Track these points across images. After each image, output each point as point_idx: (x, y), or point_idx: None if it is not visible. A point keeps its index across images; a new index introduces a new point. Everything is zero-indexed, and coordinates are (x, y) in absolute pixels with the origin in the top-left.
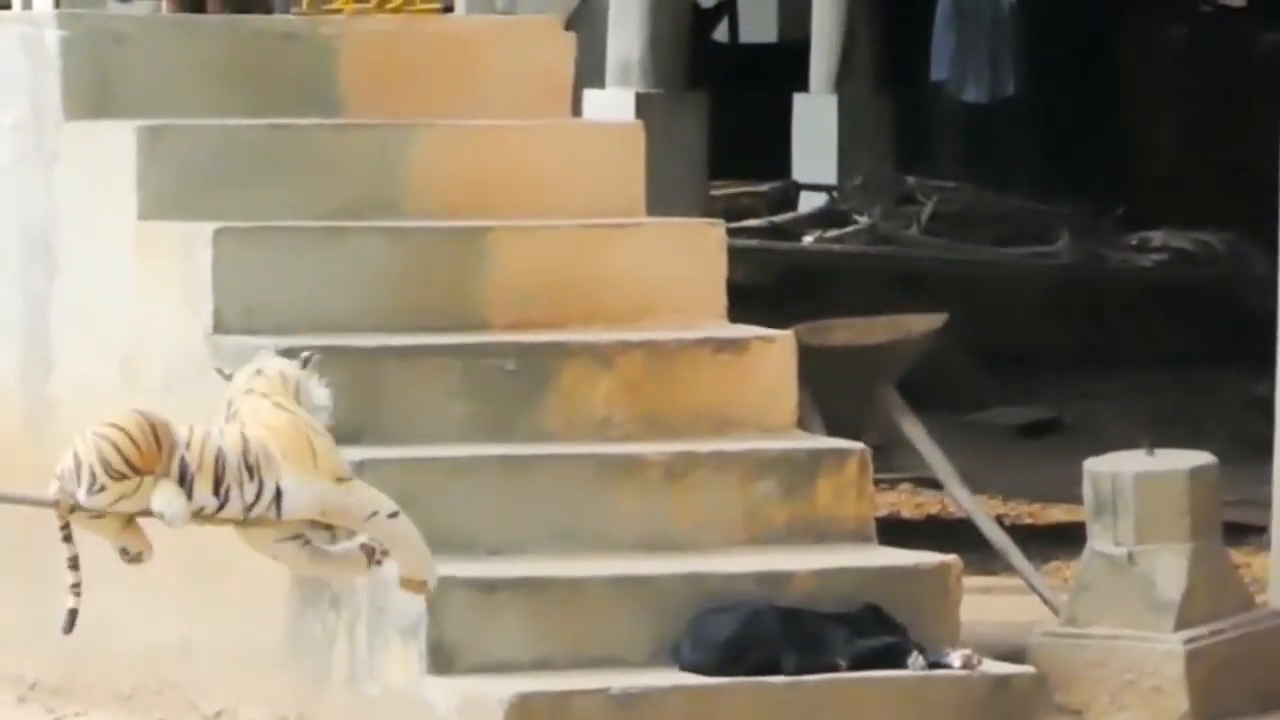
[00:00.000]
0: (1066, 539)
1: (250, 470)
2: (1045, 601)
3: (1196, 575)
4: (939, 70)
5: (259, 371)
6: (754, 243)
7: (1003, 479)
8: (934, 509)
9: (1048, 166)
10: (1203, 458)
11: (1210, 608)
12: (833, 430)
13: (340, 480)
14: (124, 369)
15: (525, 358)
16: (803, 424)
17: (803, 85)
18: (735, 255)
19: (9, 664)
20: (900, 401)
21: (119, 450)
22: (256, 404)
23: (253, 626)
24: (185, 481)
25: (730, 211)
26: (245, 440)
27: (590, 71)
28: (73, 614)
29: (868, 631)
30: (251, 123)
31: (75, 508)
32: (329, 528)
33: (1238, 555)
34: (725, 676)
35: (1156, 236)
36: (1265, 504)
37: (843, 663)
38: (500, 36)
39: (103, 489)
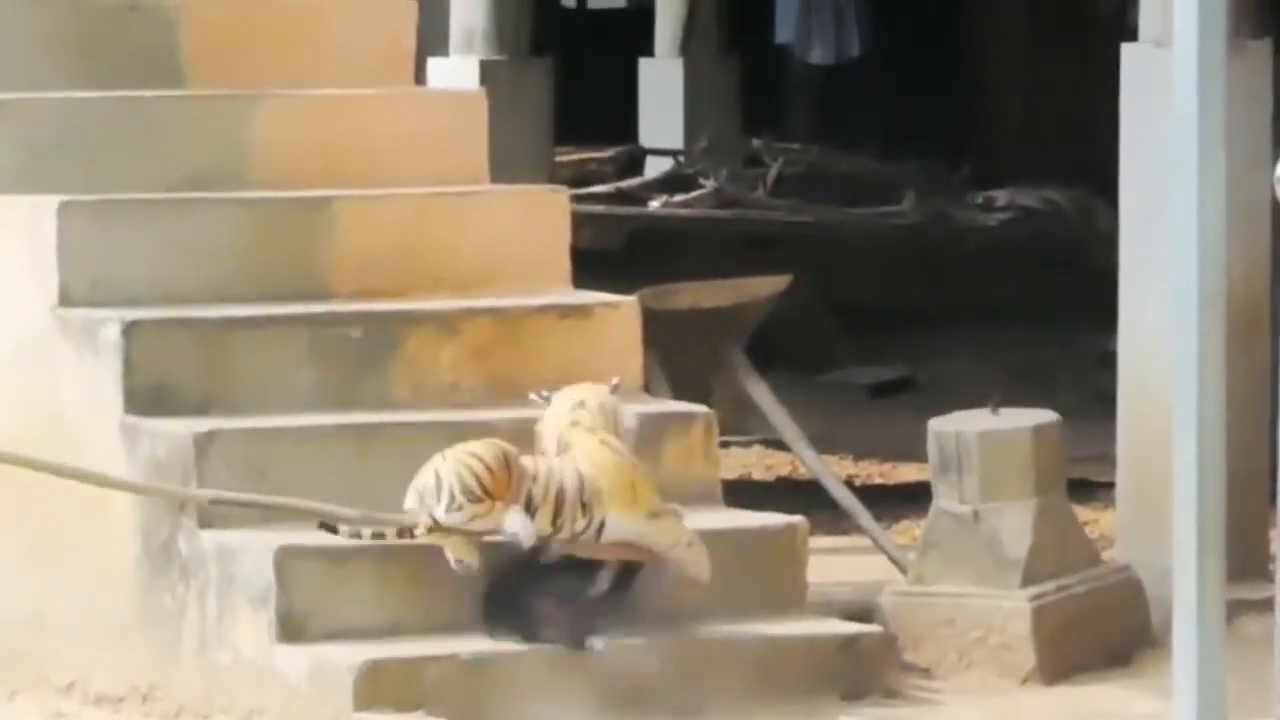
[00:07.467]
0: (917, 498)
1: (584, 506)
2: (893, 561)
3: (1041, 532)
4: (783, 32)
5: (581, 404)
6: (601, 208)
7: (855, 439)
8: (785, 470)
9: (894, 127)
10: (1046, 415)
11: (1056, 564)
12: (680, 394)
13: (653, 515)
14: None
15: (371, 326)
16: (649, 388)
17: (648, 50)
18: (582, 221)
19: None
20: (746, 364)
21: (477, 477)
22: (585, 440)
23: (103, 599)
24: (530, 510)
25: (577, 177)
26: (581, 478)
27: (435, 39)
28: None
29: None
30: (95, 95)
31: (434, 527)
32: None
33: (1086, 511)
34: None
35: (1002, 195)
36: (1114, 460)
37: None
38: (343, 5)
39: (460, 509)
